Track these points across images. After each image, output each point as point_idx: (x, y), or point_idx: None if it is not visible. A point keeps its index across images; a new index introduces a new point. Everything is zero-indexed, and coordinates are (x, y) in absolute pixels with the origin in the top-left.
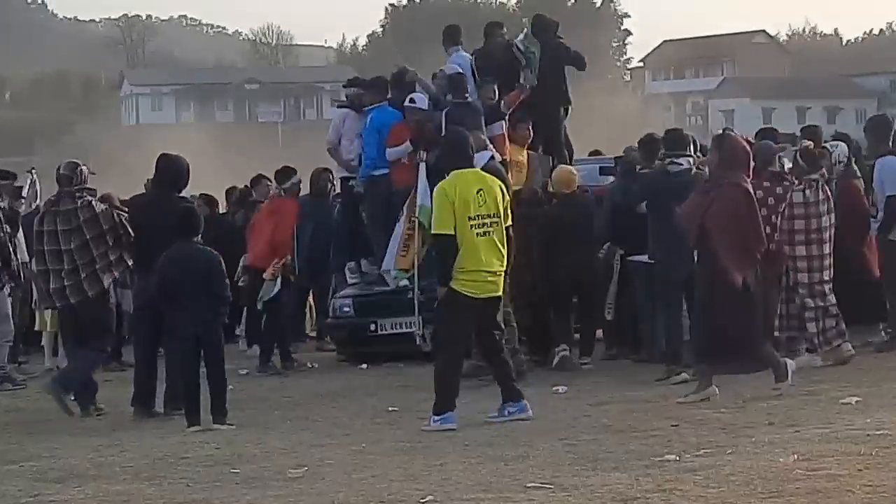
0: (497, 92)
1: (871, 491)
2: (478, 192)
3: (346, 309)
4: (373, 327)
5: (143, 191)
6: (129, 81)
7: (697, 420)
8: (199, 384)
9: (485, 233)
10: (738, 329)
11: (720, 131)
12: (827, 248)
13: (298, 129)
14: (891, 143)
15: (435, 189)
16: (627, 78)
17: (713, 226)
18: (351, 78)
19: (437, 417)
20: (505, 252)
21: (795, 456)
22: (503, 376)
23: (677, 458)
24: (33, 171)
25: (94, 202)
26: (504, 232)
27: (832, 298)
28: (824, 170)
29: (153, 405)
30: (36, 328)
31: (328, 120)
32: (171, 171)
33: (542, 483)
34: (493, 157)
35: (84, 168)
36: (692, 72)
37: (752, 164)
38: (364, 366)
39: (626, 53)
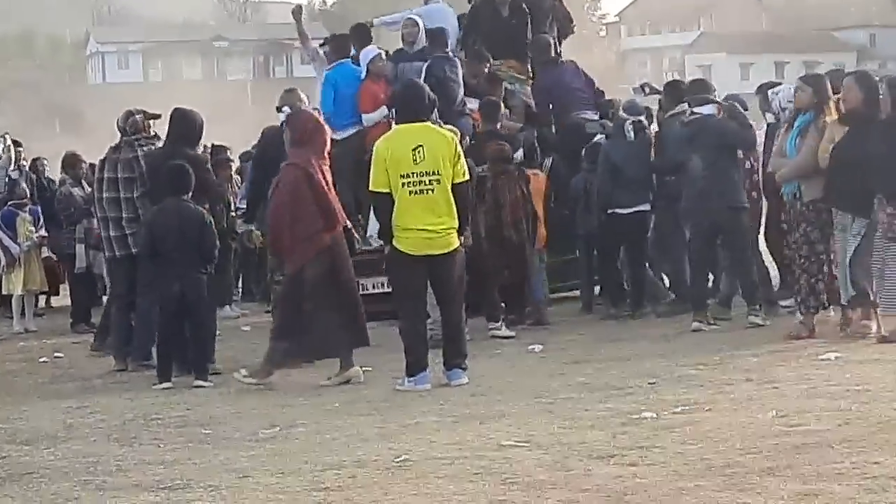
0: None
1: (849, 446)
2: (415, 149)
3: None
4: None
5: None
6: (95, 39)
7: (675, 377)
8: (174, 341)
9: (420, 191)
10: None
11: None
12: None
13: (269, 86)
14: None
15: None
16: (602, 33)
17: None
18: (325, 38)
19: (409, 379)
20: (453, 209)
21: (774, 412)
22: (449, 332)
23: (655, 416)
24: (7, 135)
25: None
26: (447, 189)
27: None
28: None
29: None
30: (3, 292)
31: (297, 77)
32: (185, 125)
33: (517, 441)
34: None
35: (138, 117)
36: (668, 27)
37: (325, 140)
38: None
39: (600, 8)
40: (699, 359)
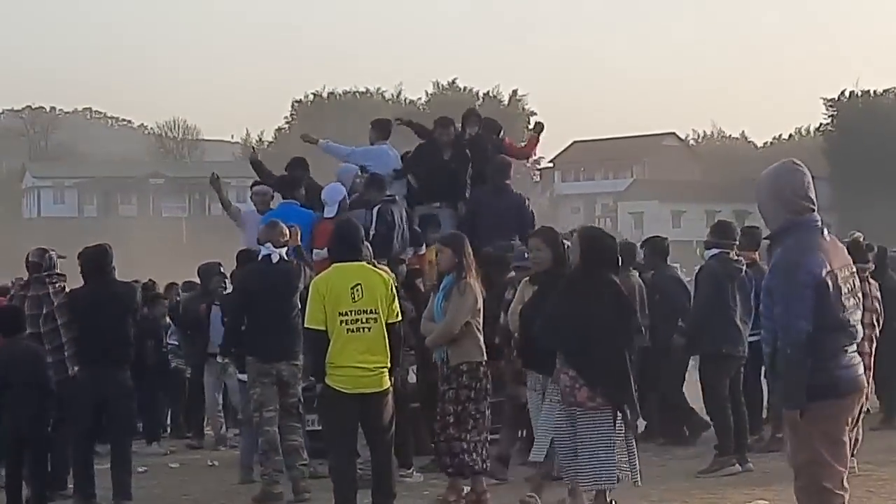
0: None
1: None
2: (353, 287)
3: None
4: None
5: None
6: (31, 174)
7: None
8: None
9: (358, 328)
10: None
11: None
12: None
13: (204, 224)
14: None
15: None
16: (537, 178)
17: None
18: (255, 180)
19: None
20: (387, 347)
21: None
22: (378, 473)
23: None
24: None
25: (65, 287)
26: (383, 328)
27: None
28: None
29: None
30: None
31: None
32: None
33: None
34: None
35: (52, 254)
36: (602, 173)
37: None
38: None
39: (535, 153)
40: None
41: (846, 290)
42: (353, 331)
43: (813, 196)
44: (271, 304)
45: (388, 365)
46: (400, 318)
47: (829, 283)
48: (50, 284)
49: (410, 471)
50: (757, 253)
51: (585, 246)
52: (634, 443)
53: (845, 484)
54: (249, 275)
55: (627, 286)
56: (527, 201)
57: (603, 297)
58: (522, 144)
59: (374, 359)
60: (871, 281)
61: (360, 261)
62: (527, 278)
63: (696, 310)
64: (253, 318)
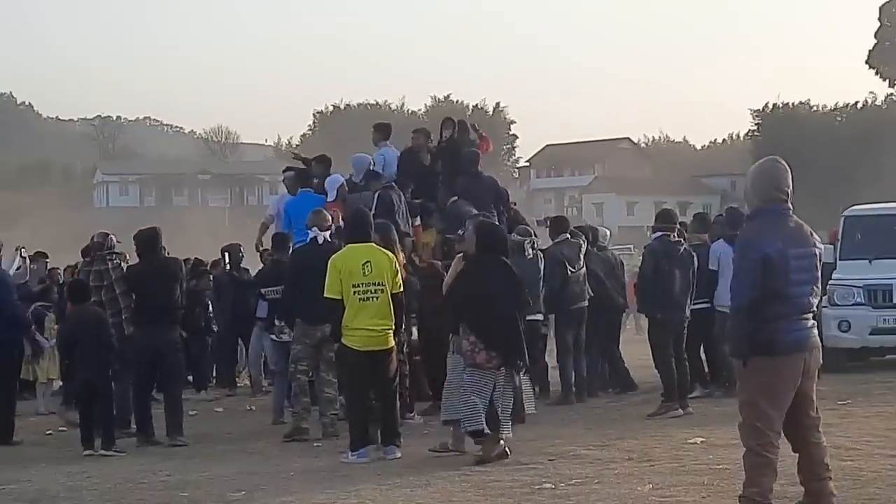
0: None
1: None
2: (364, 264)
3: None
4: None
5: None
6: (101, 171)
7: (570, 455)
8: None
9: (367, 298)
10: None
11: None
12: None
13: (242, 212)
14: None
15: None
16: (516, 175)
17: None
18: (287, 166)
19: (352, 453)
20: (391, 313)
21: (650, 485)
22: (385, 416)
23: (553, 487)
24: (23, 248)
25: (122, 264)
26: (389, 297)
27: None
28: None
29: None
30: (23, 377)
31: (267, 205)
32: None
33: None
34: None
35: (112, 237)
36: (569, 171)
37: None
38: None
39: (514, 154)
40: (591, 440)
41: (796, 268)
42: (364, 299)
43: (785, 187)
44: (318, 279)
45: (393, 327)
46: (402, 289)
47: (776, 261)
48: (110, 261)
49: (412, 414)
50: (707, 235)
51: (480, 236)
52: (531, 391)
53: (777, 427)
54: (300, 254)
55: (607, 260)
56: (498, 181)
57: (494, 276)
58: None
59: (381, 322)
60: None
61: (370, 242)
62: (460, 255)
63: (639, 282)
64: (304, 289)
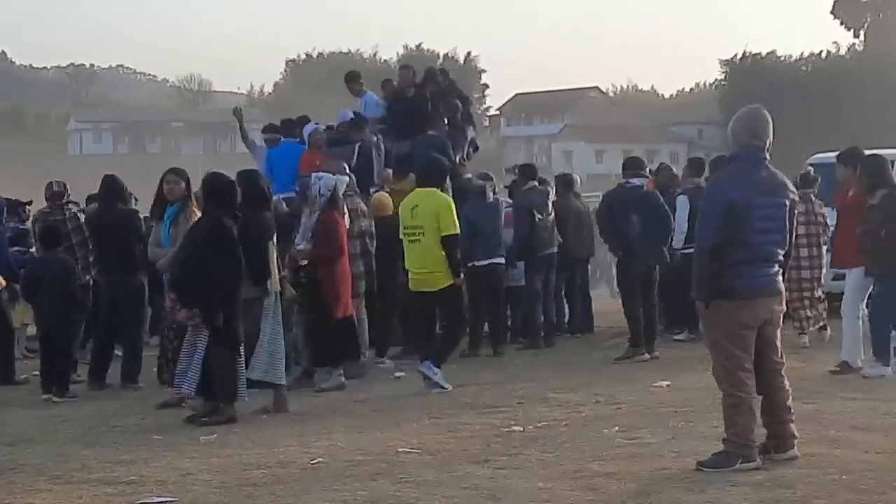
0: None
1: (677, 455)
2: (412, 209)
3: None
4: None
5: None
6: (75, 118)
7: (539, 399)
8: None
9: (411, 240)
10: None
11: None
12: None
13: (216, 160)
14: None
15: None
16: (486, 123)
17: None
18: (266, 125)
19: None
20: (434, 255)
21: (617, 428)
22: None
23: (522, 429)
24: None
25: (77, 213)
26: (435, 239)
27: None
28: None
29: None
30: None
31: (240, 153)
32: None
33: (411, 448)
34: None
35: (66, 186)
36: (539, 119)
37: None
38: None
39: (485, 103)
40: (559, 384)
41: (762, 216)
42: (410, 241)
43: (762, 135)
44: None
45: (440, 270)
46: (452, 231)
47: (740, 207)
48: (67, 210)
49: (383, 359)
50: (702, 178)
51: (204, 189)
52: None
53: (746, 365)
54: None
55: (576, 209)
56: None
57: (199, 230)
58: None
59: (421, 264)
60: (815, 200)
61: (433, 188)
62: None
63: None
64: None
